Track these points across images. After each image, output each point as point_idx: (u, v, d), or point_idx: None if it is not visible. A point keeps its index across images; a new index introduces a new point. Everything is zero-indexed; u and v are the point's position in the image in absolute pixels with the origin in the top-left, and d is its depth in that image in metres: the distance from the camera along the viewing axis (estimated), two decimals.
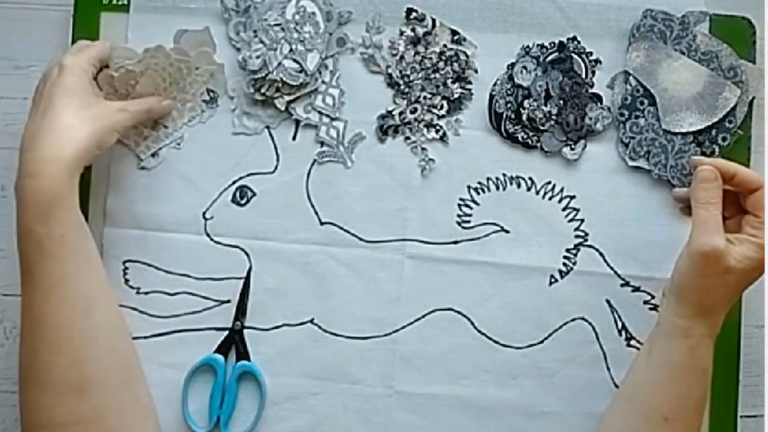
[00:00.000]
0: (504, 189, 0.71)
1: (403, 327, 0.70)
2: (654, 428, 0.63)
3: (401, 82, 0.71)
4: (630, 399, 0.65)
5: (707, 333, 0.62)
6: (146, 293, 0.70)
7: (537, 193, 0.71)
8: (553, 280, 0.71)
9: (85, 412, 0.61)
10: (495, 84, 0.71)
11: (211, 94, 0.71)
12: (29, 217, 0.60)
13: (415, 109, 0.71)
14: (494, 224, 0.71)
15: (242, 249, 0.70)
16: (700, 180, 0.63)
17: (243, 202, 0.71)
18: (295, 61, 0.69)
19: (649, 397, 0.63)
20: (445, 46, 0.71)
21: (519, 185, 0.71)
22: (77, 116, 0.62)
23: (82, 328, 0.62)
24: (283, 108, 0.71)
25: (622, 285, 0.71)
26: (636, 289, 0.70)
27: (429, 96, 0.71)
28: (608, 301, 0.70)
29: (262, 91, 0.70)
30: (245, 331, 0.70)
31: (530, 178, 0.71)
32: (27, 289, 0.62)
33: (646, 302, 0.70)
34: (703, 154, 0.70)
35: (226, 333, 0.70)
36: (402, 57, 0.71)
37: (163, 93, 0.70)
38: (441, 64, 0.71)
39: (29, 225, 0.60)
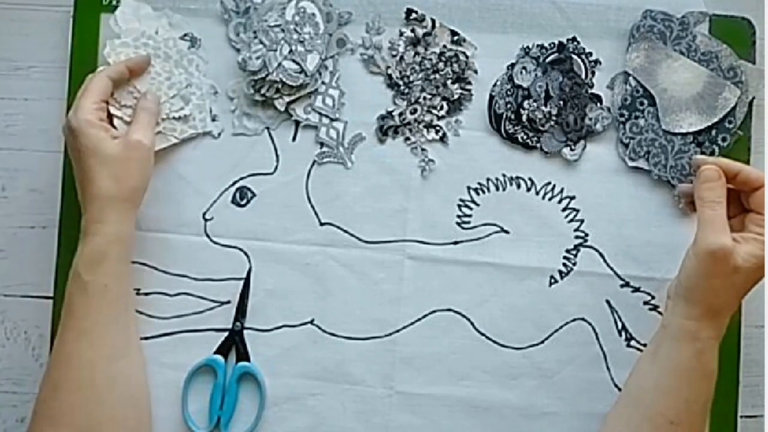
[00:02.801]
0: (504, 189, 0.71)
1: (404, 327, 0.70)
2: None
3: (401, 82, 0.71)
4: (634, 403, 0.64)
5: (714, 335, 0.62)
6: (146, 294, 0.70)
7: (537, 193, 0.71)
8: (553, 280, 0.70)
9: None
10: (495, 85, 0.71)
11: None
12: (81, 263, 0.63)
13: (415, 110, 0.71)
14: (494, 225, 0.71)
15: (242, 250, 0.70)
16: (705, 179, 0.62)
17: (243, 202, 0.71)
18: (294, 62, 0.69)
19: (654, 401, 0.62)
20: (444, 46, 0.71)
21: (519, 186, 0.71)
22: (108, 177, 0.63)
23: (103, 371, 0.63)
24: (282, 109, 0.70)
25: (622, 285, 0.71)
26: (636, 290, 0.70)
27: (429, 97, 0.71)
28: (608, 302, 0.70)
29: (262, 92, 0.70)
30: (245, 331, 0.70)
31: (530, 179, 0.71)
32: (63, 328, 0.63)
33: (646, 303, 0.70)
34: (703, 154, 0.70)
35: (226, 334, 0.70)
36: (402, 58, 0.71)
37: (166, 80, 0.69)
38: (441, 65, 0.71)
39: (78, 270, 0.63)
